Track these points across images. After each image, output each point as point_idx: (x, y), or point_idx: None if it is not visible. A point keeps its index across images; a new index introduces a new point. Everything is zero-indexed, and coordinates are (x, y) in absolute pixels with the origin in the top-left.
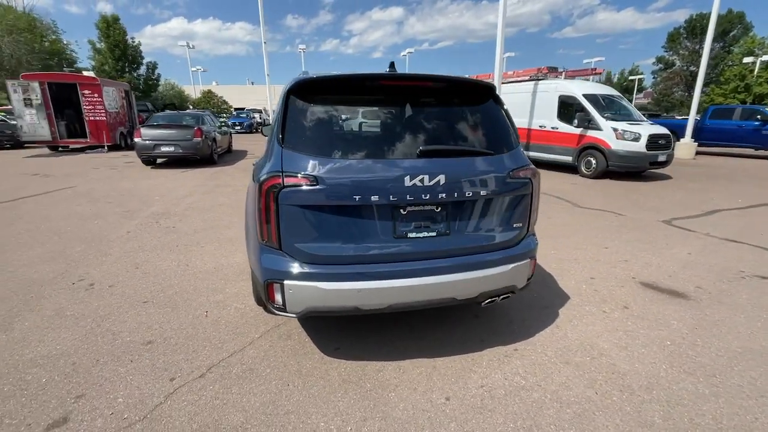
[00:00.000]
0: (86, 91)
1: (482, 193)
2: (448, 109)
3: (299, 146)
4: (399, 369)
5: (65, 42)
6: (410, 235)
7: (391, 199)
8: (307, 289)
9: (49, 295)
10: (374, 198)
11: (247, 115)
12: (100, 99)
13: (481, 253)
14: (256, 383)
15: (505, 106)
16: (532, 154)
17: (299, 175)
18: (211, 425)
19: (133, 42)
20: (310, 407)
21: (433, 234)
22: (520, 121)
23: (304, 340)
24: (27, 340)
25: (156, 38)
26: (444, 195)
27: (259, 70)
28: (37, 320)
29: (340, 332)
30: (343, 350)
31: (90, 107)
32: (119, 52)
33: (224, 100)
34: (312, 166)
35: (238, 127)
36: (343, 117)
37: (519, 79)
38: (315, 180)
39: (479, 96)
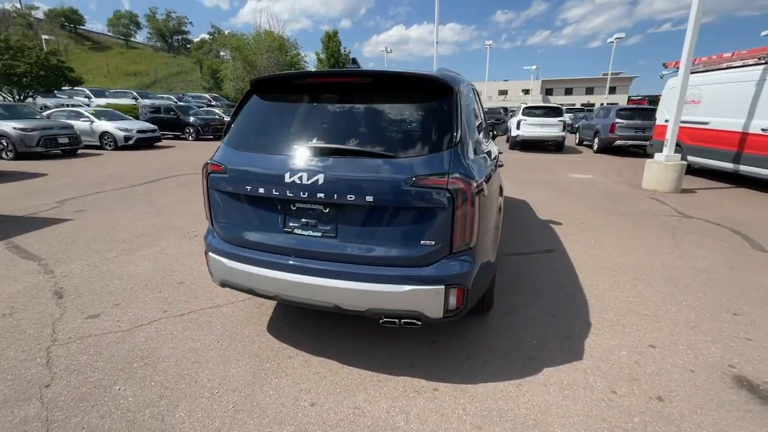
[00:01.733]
0: None
1: (369, 198)
2: (375, 105)
3: (233, 139)
4: (305, 362)
5: (302, 55)
6: (296, 231)
7: (274, 193)
8: (219, 263)
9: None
10: (261, 190)
11: None
12: None
13: (370, 265)
14: (204, 332)
15: (456, 102)
16: (752, 170)
17: (217, 163)
18: (156, 347)
19: (345, 51)
20: (216, 363)
21: (318, 234)
22: (726, 121)
23: (268, 313)
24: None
25: (378, 45)
26: (323, 195)
27: (458, 69)
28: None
29: (303, 320)
30: (284, 333)
31: None
32: (333, 60)
33: None
34: (227, 157)
35: None
36: (272, 113)
37: (737, 63)
38: (224, 169)
39: (420, 91)
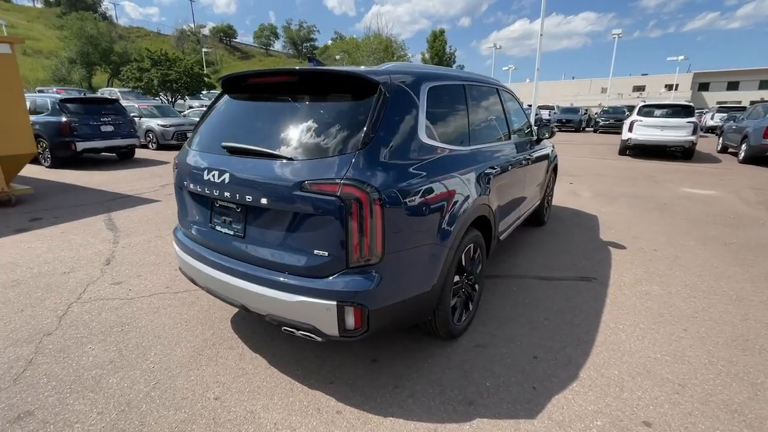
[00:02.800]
0: None
1: (264, 201)
2: (297, 104)
3: (192, 137)
4: (239, 356)
5: (409, 55)
6: (217, 227)
7: (198, 189)
8: (175, 250)
9: None
10: (191, 186)
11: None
12: None
13: (269, 269)
14: (181, 312)
15: (379, 101)
16: None
17: (175, 160)
18: (138, 318)
19: (451, 50)
20: (170, 342)
21: (231, 233)
22: None
23: None
24: None
25: (498, 41)
26: (228, 194)
27: (586, 63)
28: None
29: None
30: (243, 324)
31: None
32: (437, 60)
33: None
34: (181, 154)
35: None
36: (217, 112)
37: None
38: (175, 165)
39: (344, 90)
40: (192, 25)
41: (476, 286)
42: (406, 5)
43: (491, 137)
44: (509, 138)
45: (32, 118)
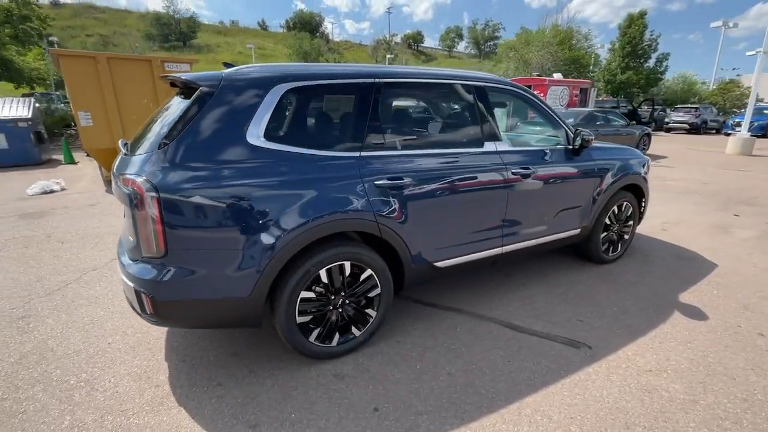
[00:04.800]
0: (536, 92)
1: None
2: (171, 106)
3: None
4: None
5: (596, 46)
6: None
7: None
8: None
9: None
10: None
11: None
12: (543, 98)
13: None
14: None
15: (197, 104)
16: None
17: None
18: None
19: (652, 35)
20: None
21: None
22: None
23: None
24: None
25: (761, 17)
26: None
27: None
28: None
29: None
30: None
31: None
32: (629, 49)
33: (746, 93)
34: None
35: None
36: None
37: None
38: None
39: (188, 93)
40: (387, 35)
41: (368, 311)
42: None
43: (428, 144)
44: (480, 146)
45: None
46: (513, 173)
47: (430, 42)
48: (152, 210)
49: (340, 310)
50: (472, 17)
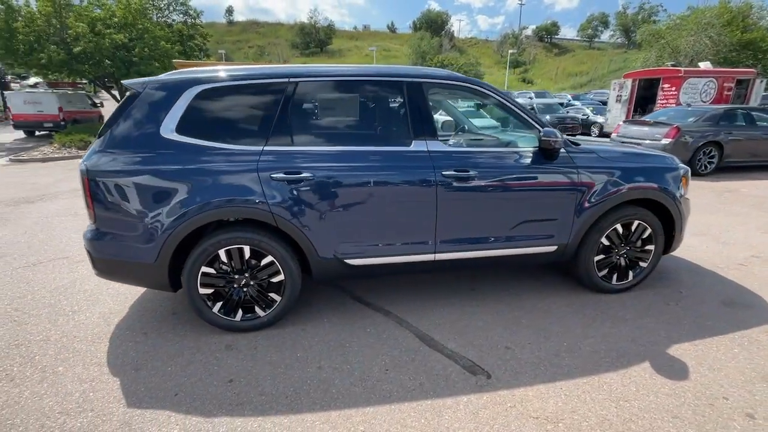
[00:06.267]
0: (666, 85)
1: None
2: None
3: None
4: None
5: None
6: None
7: None
8: None
9: None
10: None
11: None
12: (675, 93)
13: None
14: None
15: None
16: None
17: None
18: None
19: None
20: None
21: None
22: None
23: None
24: None
25: None
26: None
27: None
28: None
29: None
30: None
31: (663, 101)
32: None
33: None
34: None
35: None
36: None
37: None
38: None
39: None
40: (515, 29)
41: (272, 295)
42: None
43: (339, 141)
44: (407, 145)
45: None
46: (444, 176)
47: (568, 33)
48: (84, 186)
49: (245, 289)
50: (624, 1)
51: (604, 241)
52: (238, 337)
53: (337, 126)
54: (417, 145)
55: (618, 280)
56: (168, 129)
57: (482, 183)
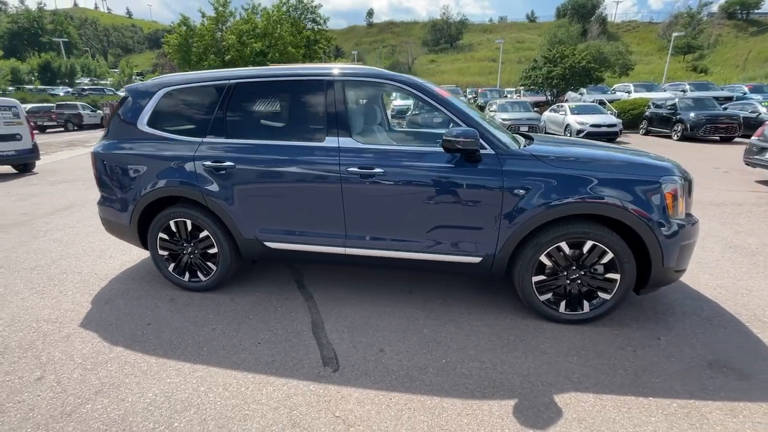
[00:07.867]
0: None
1: None
2: None
3: None
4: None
5: None
6: None
7: None
8: None
9: None
10: None
11: None
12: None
13: None
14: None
15: (122, 100)
16: None
17: None
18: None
19: None
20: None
21: None
22: None
23: None
24: None
25: None
26: None
27: None
28: None
29: None
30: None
31: None
32: None
33: None
34: None
35: None
36: None
37: None
38: None
39: None
40: (691, 5)
41: (209, 263)
42: None
43: (263, 135)
44: (321, 140)
45: None
46: (348, 171)
47: None
48: (93, 165)
49: (191, 256)
50: None
51: (544, 260)
52: (183, 295)
53: (265, 121)
54: (329, 141)
55: (567, 308)
56: (143, 123)
57: (388, 182)
